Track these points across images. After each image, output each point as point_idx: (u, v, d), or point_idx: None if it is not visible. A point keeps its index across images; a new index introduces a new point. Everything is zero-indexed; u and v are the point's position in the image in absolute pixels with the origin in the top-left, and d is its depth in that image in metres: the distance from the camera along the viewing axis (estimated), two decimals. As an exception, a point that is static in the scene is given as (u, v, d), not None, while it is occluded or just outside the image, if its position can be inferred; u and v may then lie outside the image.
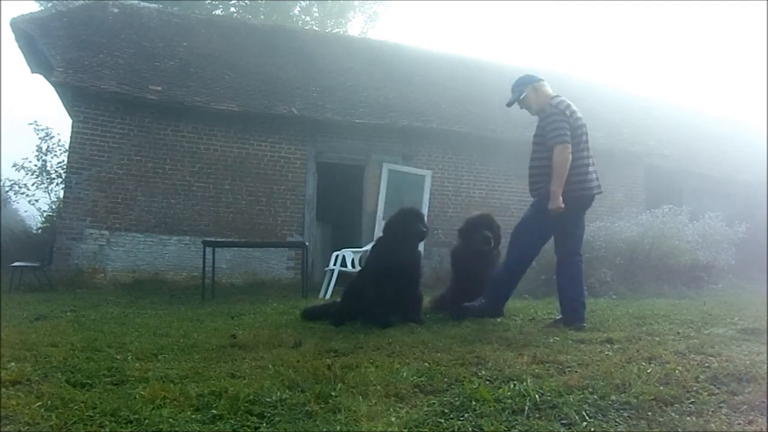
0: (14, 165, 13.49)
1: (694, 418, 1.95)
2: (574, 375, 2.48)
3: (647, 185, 12.17)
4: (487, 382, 2.44)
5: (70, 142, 9.28)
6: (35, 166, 13.49)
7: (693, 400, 2.13)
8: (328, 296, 7.69)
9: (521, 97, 4.25)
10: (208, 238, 8.46)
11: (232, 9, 20.99)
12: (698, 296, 7.53)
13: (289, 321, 4.73)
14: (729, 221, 10.25)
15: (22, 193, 13.55)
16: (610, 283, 8.55)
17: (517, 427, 1.95)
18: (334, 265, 8.25)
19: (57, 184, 12.98)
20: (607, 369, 2.54)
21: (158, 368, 2.83)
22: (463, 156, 10.95)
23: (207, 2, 19.79)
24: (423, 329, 4.01)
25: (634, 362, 2.67)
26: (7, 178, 13.59)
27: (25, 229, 13.08)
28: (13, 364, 2.81)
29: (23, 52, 10.27)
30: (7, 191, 13.52)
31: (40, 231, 12.85)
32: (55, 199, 12.99)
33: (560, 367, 2.68)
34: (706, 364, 2.59)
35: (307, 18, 21.49)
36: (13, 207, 14.14)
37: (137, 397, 2.30)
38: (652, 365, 2.59)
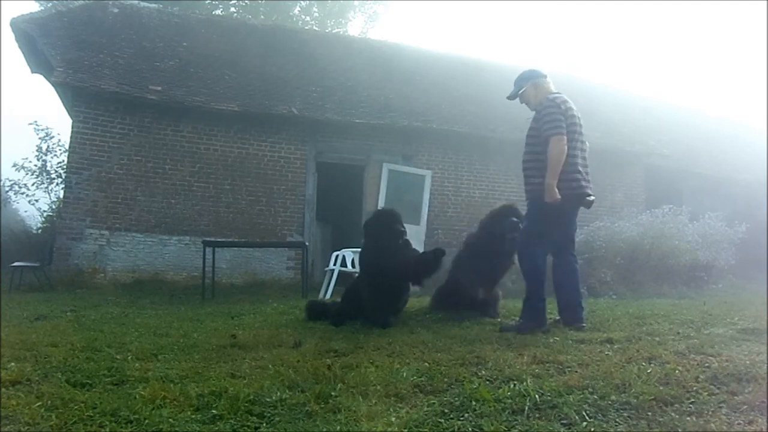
0: (14, 165, 13.47)
1: (694, 418, 1.95)
2: (574, 375, 2.48)
3: (647, 185, 12.17)
4: (487, 382, 2.45)
5: (70, 142, 9.28)
6: (35, 166, 13.46)
7: (693, 400, 2.13)
8: (328, 296, 7.69)
9: (520, 92, 4.26)
10: (208, 238, 8.45)
11: (232, 9, 20.98)
12: (698, 296, 7.54)
13: (289, 321, 4.73)
14: (729, 221, 10.25)
15: (22, 193, 13.52)
16: (610, 283, 8.56)
17: (517, 427, 1.95)
18: (334, 265, 8.24)
19: (57, 184, 12.97)
20: (607, 369, 2.54)
21: (158, 368, 2.84)
22: (463, 156, 10.94)
23: (207, 2, 19.79)
24: (423, 329, 4.01)
25: (634, 362, 2.67)
26: (7, 178, 13.57)
27: (25, 229, 13.05)
28: (13, 364, 2.82)
29: (23, 52, 10.27)
30: (7, 191, 13.50)
31: (40, 231, 12.83)
32: (55, 199, 12.97)
33: (560, 367, 2.68)
34: (706, 364, 2.59)
35: (307, 18, 21.48)
36: (13, 207, 14.11)
37: (137, 397, 2.31)
38: (652, 365, 2.59)
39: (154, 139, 9.43)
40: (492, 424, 1.95)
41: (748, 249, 10.20)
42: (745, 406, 2.04)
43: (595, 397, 2.18)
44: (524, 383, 2.34)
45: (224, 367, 2.86)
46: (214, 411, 2.15)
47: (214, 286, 7.78)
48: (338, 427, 1.98)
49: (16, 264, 8.74)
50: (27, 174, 13.44)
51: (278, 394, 2.33)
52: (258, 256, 9.66)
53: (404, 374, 2.58)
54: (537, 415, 2.04)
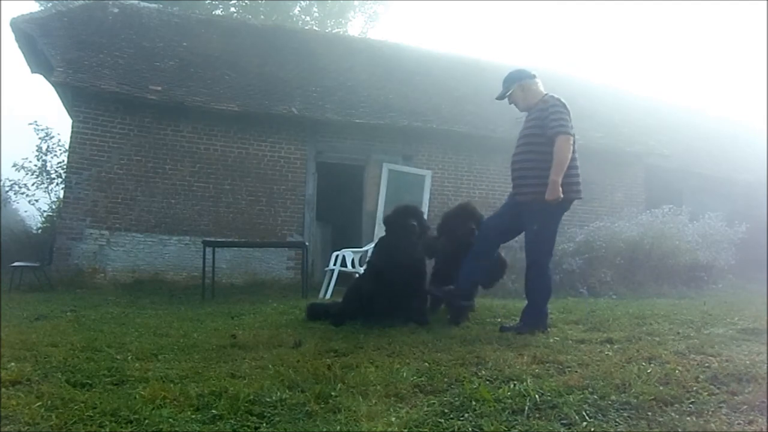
0: (14, 165, 13.46)
1: (694, 418, 1.95)
2: (574, 375, 2.48)
3: (647, 185, 12.17)
4: (487, 382, 2.45)
5: (70, 142, 9.28)
6: (35, 166, 13.46)
7: (693, 400, 2.13)
8: (328, 296, 7.69)
9: (508, 93, 4.19)
10: (208, 238, 8.45)
11: (232, 9, 20.98)
12: (698, 296, 7.53)
13: (289, 321, 4.73)
14: (729, 221, 10.26)
15: (22, 193, 13.51)
16: (610, 283, 8.56)
17: (517, 427, 1.95)
18: (334, 265, 8.24)
19: (57, 184, 12.96)
20: (607, 369, 2.54)
21: (158, 368, 2.83)
22: (463, 156, 10.94)
23: (207, 2, 19.78)
24: (423, 329, 4.01)
25: (634, 362, 2.67)
26: (7, 178, 13.57)
27: (25, 229, 13.05)
28: (13, 364, 2.81)
29: (23, 52, 10.27)
30: (7, 191, 13.49)
31: (40, 231, 12.83)
32: (55, 199, 12.97)
33: (560, 367, 2.68)
34: (706, 364, 2.59)
35: (307, 18, 21.48)
36: (13, 207, 14.10)
37: (137, 397, 2.30)
38: (652, 365, 2.59)
39: (154, 139, 9.43)
40: (492, 424, 1.95)
41: (748, 249, 10.20)
42: (745, 406, 2.04)
43: (595, 397, 2.18)
44: (524, 383, 2.34)
45: (224, 367, 2.86)
46: (214, 411, 2.15)
47: (214, 286, 7.78)
48: (338, 427, 1.98)
49: (16, 264, 8.73)
50: (27, 174, 13.44)
51: (278, 394, 2.32)
52: (258, 256, 9.66)
53: (404, 374, 2.58)
54: (537, 415, 2.04)
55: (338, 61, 11.94)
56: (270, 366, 2.84)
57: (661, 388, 2.22)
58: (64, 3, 11.45)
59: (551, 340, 3.37)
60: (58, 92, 10.27)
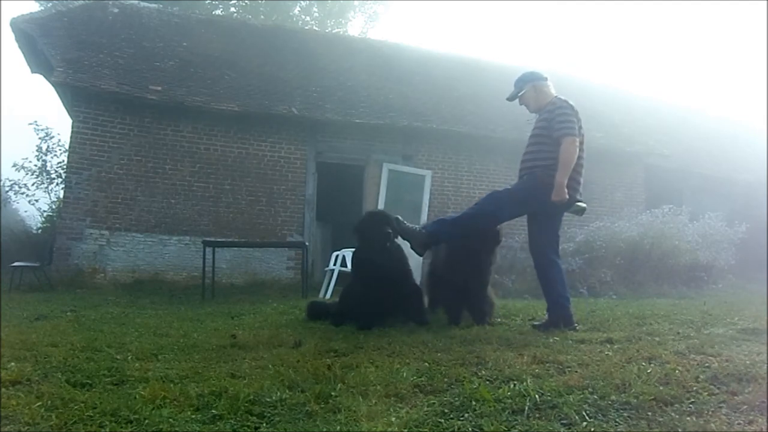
0: (14, 165, 13.46)
1: (694, 418, 1.95)
2: (574, 375, 2.47)
3: (647, 185, 12.17)
4: (487, 382, 2.44)
5: (70, 142, 9.28)
6: (35, 166, 13.46)
7: (693, 400, 2.13)
8: (328, 296, 7.69)
9: (520, 94, 4.20)
10: (208, 238, 8.45)
11: (232, 9, 20.98)
12: (698, 296, 7.54)
13: (289, 321, 4.73)
14: (729, 221, 10.27)
15: (22, 193, 13.51)
16: (610, 283, 8.57)
17: (517, 427, 1.95)
18: (334, 265, 8.25)
19: (57, 184, 12.97)
20: (607, 369, 2.54)
21: (158, 368, 2.83)
22: (463, 156, 10.95)
23: (207, 2, 19.79)
24: (423, 329, 4.00)
25: (634, 362, 2.67)
26: (7, 178, 13.57)
27: (25, 229, 13.05)
28: (13, 364, 2.81)
29: (23, 52, 10.27)
30: (7, 191, 13.49)
31: (40, 231, 12.84)
32: (55, 199, 12.97)
33: (560, 367, 2.68)
34: (706, 364, 2.59)
35: (307, 18, 21.48)
36: (13, 207, 14.10)
37: (137, 397, 2.30)
38: (652, 365, 2.59)
39: (154, 139, 9.43)
40: (492, 424, 1.95)
41: (748, 249, 10.21)
42: (745, 406, 2.04)
43: (595, 397, 2.18)
44: (524, 383, 2.34)
45: (224, 367, 2.86)
46: (214, 411, 2.15)
47: (214, 286, 7.78)
48: (338, 427, 1.98)
49: (16, 264, 8.73)
50: (27, 174, 13.45)
51: (278, 394, 2.32)
52: (258, 256, 9.66)
53: (404, 374, 2.58)
54: (537, 415, 2.04)
55: (338, 61, 11.95)
56: (270, 366, 2.84)
57: (661, 388, 2.22)
58: (64, 3, 11.45)
59: (551, 340, 3.37)
60: (58, 92, 10.27)
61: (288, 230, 9.94)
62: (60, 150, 13.27)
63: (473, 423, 1.99)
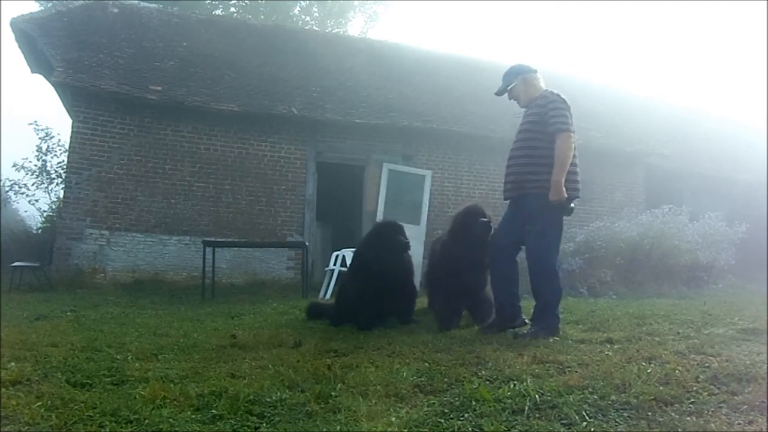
0: (14, 165, 13.46)
1: (694, 418, 1.95)
2: (574, 375, 2.48)
3: (647, 185, 12.17)
4: (487, 382, 2.44)
5: (70, 142, 9.28)
6: (35, 166, 13.46)
7: (693, 400, 2.13)
8: (328, 296, 7.70)
9: (509, 88, 4.02)
10: (208, 238, 8.45)
11: (232, 9, 20.98)
12: (698, 296, 7.53)
13: (289, 321, 4.73)
14: (729, 221, 10.26)
15: (22, 193, 13.51)
16: (610, 283, 8.56)
17: (517, 427, 1.95)
18: (334, 265, 8.25)
19: (57, 184, 12.97)
20: (607, 369, 2.54)
21: (158, 368, 2.83)
22: (463, 156, 10.94)
23: (207, 2, 19.79)
24: (423, 329, 4.01)
25: (634, 362, 2.67)
26: (7, 178, 13.57)
27: (25, 229, 13.05)
28: (13, 364, 2.81)
29: (23, 52, 10.27)
30: (7, 191, 13.49)
31: (40, 231, 12.83)
32: (55, 199, 12.97)
33: (560, 367, 2.68)
34: (706, 364, 2.59)
35: (307, 18, 21.48)
36: (13, 207, 14.11)
37: (137, 397, 2.30)
38: (652, 365, 2.59)
39: (154, 139, 9.43)
40: (492, 424, 1.95)
41: (748, 249, 10.21)
42: (745, 406, 2.04)
43: (595, 397, 2.18)
44: (524, 383, 2.34)
45: (224, 367, 2.86)
46: (214, 411, 2.15)
47: (214, 286, 7.78)
48: (338, 427, 1.98)
49: (16, 264, 8.73)
50: (27, 174, 13.45)
51: (278, 394, 2.32)
52: (258, 256, 9.66)
53: (404, 374, 2.58)
54: (537, 415, 2.04)
55: (338, 61, 11.94)
56: (270, 366, 2.84)
57: (661, 388, 2.22)
58: (64, 3, 11.45)
59: (551, 340, 3.37)
60: (58, 92, 10.27)
61: (288, 230, 9.93)
62: (60, 150, 13.28)
63: (473, 423, 1.99)
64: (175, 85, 9.74)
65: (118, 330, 4.27)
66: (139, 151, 9.33)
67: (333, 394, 2.33)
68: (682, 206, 10.32)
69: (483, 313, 4.15)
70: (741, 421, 1.93)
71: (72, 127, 9.30)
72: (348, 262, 8.34)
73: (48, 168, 13.45)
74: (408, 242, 4.39)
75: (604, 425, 1.95)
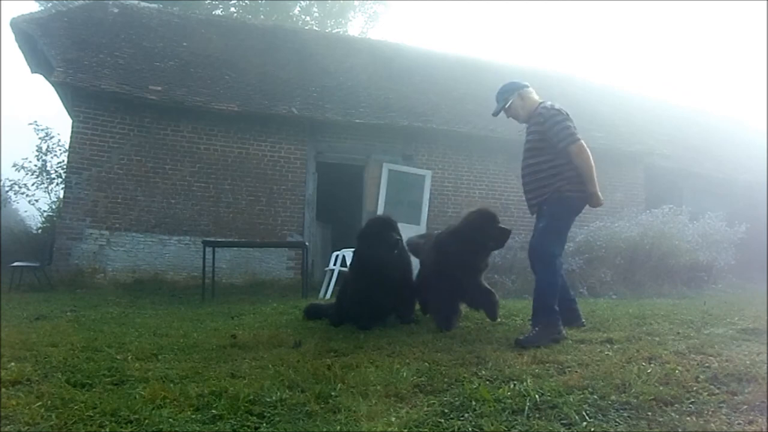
0: (14, 165, 13.47)
1: (694, 418, 1.95)
2: (574, 375, 2.48)
3: (647, 185, 12.17)
4: (487, 382, 2.44)
5: (70, 142, 9.28)
6: (35, 166, 13.46)
7: (693, 400, 2.13)
8: (327, 296, 7.70)
9: (507, 106, 4.07)
10: (208, 238, 8.45)
11: (232, 9, 20.98)
12: (698, 296, 7.54)
13: (289, 321, 4.73)
14: (729, 221, 10.26)
15: (22, 193, 13.51)
16: (610, 283, 8.56)
17: (517, 427, 1.95)
18: (334, 265, 8.25)
19: (57, 184, 12.98)
20: (607, 369, 2.54)
21: (158, 368, 2.84)
22: (463, 156, 10.95)
23: (207, 2, 19.79)
24: (423, 329, 4.01)
25: (634, 362, 2.67)
26: (7, 178, 13.56)
27: (25, 229, 13.05)
28: (13, 364, 2.81)
29: (23, 52, 10.27)
30: (7, 191, 13.49)
31: (40, 231, 12.83)
32: (55, 199, 12.98)
33: (560, 367, 2.68)
34: (706, 364, 2.59)
35: (307, 18, 21.48)
36: (13, 207, 14.10)
37: (137, 397, 2.31)
38: (652, 365, 2.59)
39: (154, 139, 9.43)
40: (492, 424, 1.95)
41: (748, 249, 10.20)
42: (745, 406, 2.04)
43: (595, 397, 2.18)
44: (524, 383, 2.34)
45: (224, 367, 2.86)
46: (214, 411, 2.15)
47: (214, 286, 7.78)
48: (338, 427, 1.98)
49: (16, 264, 8.73)
50: (27, 174, 13.45)
51: (278, 394, 2.32)
52: (258, 256, 9.66)
53: (404, 374, 2.58)
54: (537, 415, 2.04)
55: (338, 61, 11.95)
56: (270, 366, 2.84)
57: (661, 388, 2.22)
58: (64, 3, 11.45)
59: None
60: (58, 92, 10.27)
61: (288, 230, 9.93)
62: (60, 150, 13.28)
63: (473, 423, 1.99)
64: (175, 85, 9.75)
65: (118, 330, 4.27)
66: (139, 151, 9.33)
67: (333, 394, 2.33)
68: (682, 206, 10.32)
69: (486, 301, 4.15)
70: (741, 421, 1.93)
71: (72, 127, 9.30)
72: (348, 262, 8.36)
73: (48, 168, 13.46)
74: (398, 238, 4.29)
75: (604, 425, 1.95)
